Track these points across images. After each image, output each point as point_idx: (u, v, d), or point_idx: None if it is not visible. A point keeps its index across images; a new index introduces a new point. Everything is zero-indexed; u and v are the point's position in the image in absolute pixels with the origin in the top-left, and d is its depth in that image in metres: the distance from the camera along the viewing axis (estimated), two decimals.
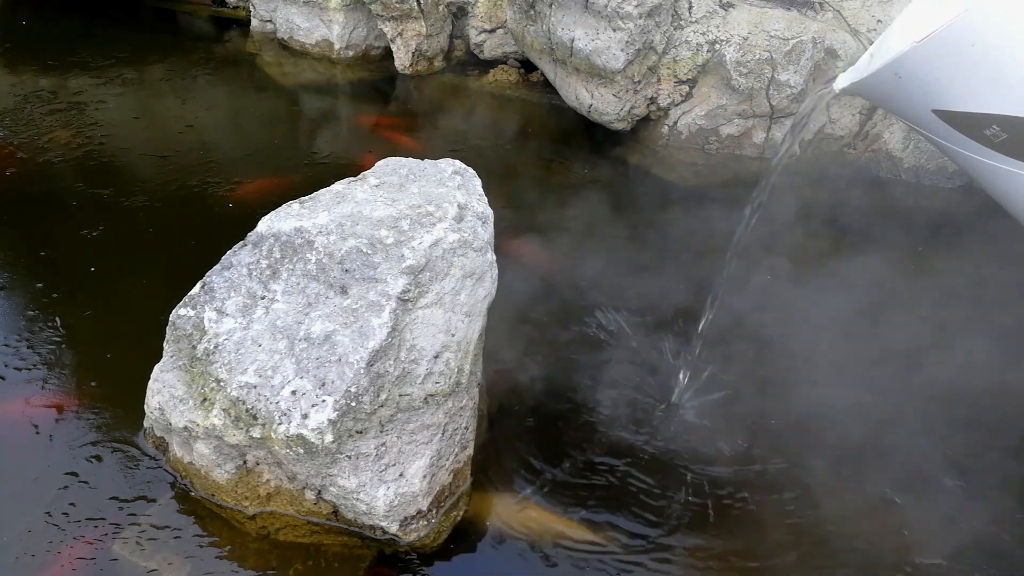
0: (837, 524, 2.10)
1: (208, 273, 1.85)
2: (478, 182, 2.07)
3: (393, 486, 1.81)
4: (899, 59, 1.86)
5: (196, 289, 1.84)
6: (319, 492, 1.84)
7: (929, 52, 1.80)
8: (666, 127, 3.81)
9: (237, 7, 5.07)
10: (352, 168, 2.16)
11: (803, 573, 1.99)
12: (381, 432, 1.76)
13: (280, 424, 1.67)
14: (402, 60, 4.38)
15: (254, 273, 1.83)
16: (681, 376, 2.50)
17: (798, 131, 2.35)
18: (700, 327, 2.49)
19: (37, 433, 2.15)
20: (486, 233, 1.93)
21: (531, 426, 2.31)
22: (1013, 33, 1.74)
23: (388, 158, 2.15)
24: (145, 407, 1.94)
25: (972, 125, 1.87)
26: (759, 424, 2.38)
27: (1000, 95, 1.80)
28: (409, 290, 1.75)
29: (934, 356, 2.59)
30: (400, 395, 1.76)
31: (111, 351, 2.41)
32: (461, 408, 1.93)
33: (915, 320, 2.78)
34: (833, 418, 2.37)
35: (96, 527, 1.90)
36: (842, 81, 2.08)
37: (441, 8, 4.33)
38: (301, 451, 1.69)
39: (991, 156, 1.91)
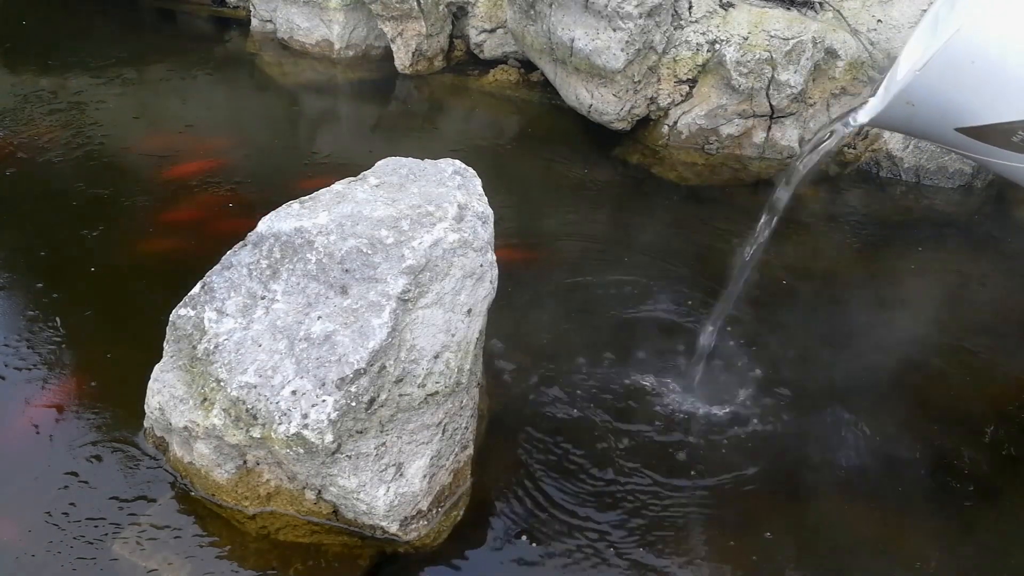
0: None
1: (208, 273, 1.85)
2: (478, 182, 2.07)
3: (393, 486, 1.81)
4: (906, 89, 1.89)
5: (196, 289, 1.84)
6: (319, 492, 1.84)
7: (931, 77, 1.83)
8: (666, 127, 3.81)
9: (237, 7, 5.06)
10: (352, 168, 2.15)
11: None
12: (381, 432, 1.76)
13: (280, 424, 1.67)
14: (402, 60, 4.38)
15: (254, 273, 1.83)
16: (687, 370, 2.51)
17: (808, 169, 2.32)
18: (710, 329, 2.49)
19: (37, 433, 2.14)
20: (486, 233, 1.92)
21: (531, 425, 2.31)
22: (1009, 43, 1.77)
23: (388, 158, 2.15)
24: (145, 407, 1.94)
25: (999, 135, 1.89)
26: (763, 431, 2.39)
27: (1017, 102, 1.82)
28: (409, 290, 1.75)
29: None
30: (400, 395, 1.76)
31: (111, 351, 2.41)
32: (461, 408, 1.93)
33: None
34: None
35: (96, 527, 1.90)
36: (863, 116, 2.11)
37: (441, 8, 4.33)
38: (301, 451, 1.69)
39: None
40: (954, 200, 3.59)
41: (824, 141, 2.24)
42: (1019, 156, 1.92)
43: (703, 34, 3.66)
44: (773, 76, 3.58)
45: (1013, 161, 1.95)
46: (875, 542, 2.08)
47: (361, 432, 1.72)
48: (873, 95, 2.13)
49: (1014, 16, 1.77)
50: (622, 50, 3.54)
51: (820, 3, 3.74)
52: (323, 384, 1.67)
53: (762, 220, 2.36)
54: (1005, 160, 1.96)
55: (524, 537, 2.01)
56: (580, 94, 3.80)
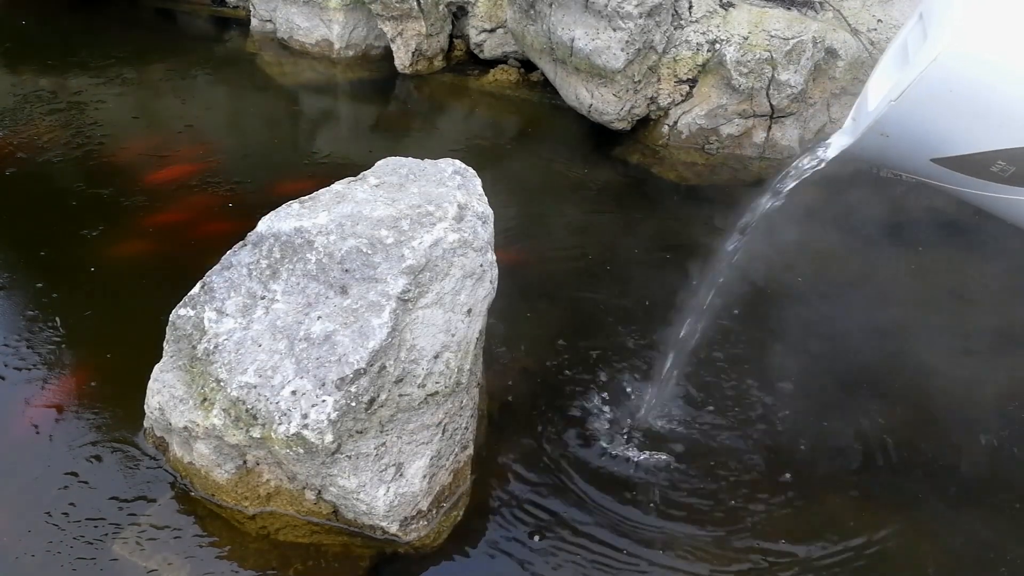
0: None
1: (208, 273, 1.85)
2: (478, 182, 2.07)
3: (393, 486, 1.81)
4: (881, 120, 1.86)
5: (196, 289, 1.84)
6: (319, 492, 1.84)
7: (908, 107, 1.80)
8: (666, 127, 3.81)
9: (237, 7, 5.07)
10: (352, 168, 2.15)
11: None
12: (381, 432, 1.76)
13: (280, 424, 1.67)
14: (402, 60, 4.38)
15: (254, 273, 1.83)
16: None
17: (775, 200, 2.29)
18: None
19: (37, 433, 2.14)
20: (486, 233, 1.92)
21: (531, 425, 2.31)
22: (990, 71, 1.75)
23: (388, 158, 2.15)
24: (145, 407, 1.93)
25: (976, 165, 1.86)
26: (746, 419, 2.39)
27: (996, 131, 1.79)
28: (409, 290, 1.75)
29: None
30: (400, 395, 1.76)
31: (111, 351, 2.41)
32: (461, 408, 1.93)
33: None
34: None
35: (96, 527, 1.90)
36: (832, 150, 2.07)
37: (441, 8, 4.33)
38: (301, 451, 1.69)
39: (1005, 191, 1.90)
40: (954, 200, 3.58)
41: (793, 178, 2.21)
42: (996, 187, 1.89)
43: (703, 34, 3.66)
44: (773, 76, 3.58)
45: (990, 192, 1.92)
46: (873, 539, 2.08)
47: (361, 432, 1.72)
48: (839, 128, 2.11)
49: (993, 45, 1.74)
50: (622, 50, 3.54)
51: (820, 3, 3.75)
52: (323, 384, 1.67)
53: (732, 241, 2.34)
54: (981, 191, 1.93)
55: (524, 537, 2.01)
56: (580, 94, 3.80)
